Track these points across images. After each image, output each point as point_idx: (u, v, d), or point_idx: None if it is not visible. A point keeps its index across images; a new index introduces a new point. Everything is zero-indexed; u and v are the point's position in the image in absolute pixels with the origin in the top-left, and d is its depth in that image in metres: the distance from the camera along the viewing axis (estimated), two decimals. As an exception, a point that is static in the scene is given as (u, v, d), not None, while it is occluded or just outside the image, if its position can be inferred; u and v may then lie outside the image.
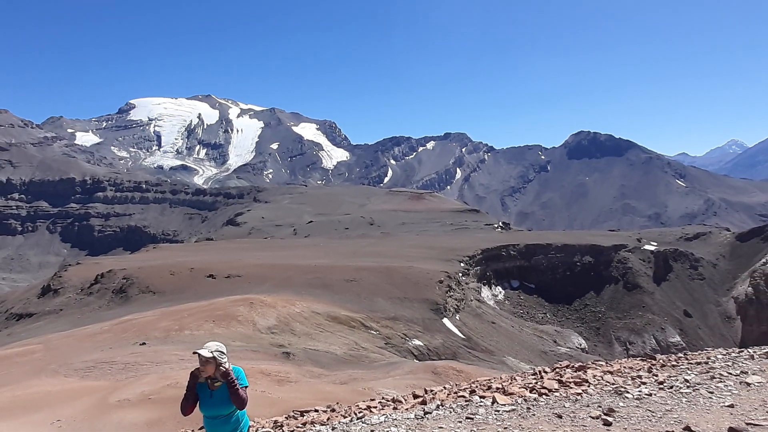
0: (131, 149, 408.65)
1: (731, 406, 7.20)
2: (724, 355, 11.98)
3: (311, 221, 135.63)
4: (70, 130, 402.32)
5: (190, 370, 5.66)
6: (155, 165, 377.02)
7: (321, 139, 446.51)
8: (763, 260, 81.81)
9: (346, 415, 10.99)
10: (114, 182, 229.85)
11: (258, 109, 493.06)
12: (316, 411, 13.21)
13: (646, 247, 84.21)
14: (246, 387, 5.66)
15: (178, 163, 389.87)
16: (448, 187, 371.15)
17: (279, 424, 11.95)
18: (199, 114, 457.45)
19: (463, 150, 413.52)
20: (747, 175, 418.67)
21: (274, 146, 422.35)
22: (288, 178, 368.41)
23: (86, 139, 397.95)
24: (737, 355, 11.63)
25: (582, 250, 78.85)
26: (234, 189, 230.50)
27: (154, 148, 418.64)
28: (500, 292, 71.54)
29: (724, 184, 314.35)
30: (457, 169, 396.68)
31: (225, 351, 5.65)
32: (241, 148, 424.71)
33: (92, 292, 55.55)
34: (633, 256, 79.24)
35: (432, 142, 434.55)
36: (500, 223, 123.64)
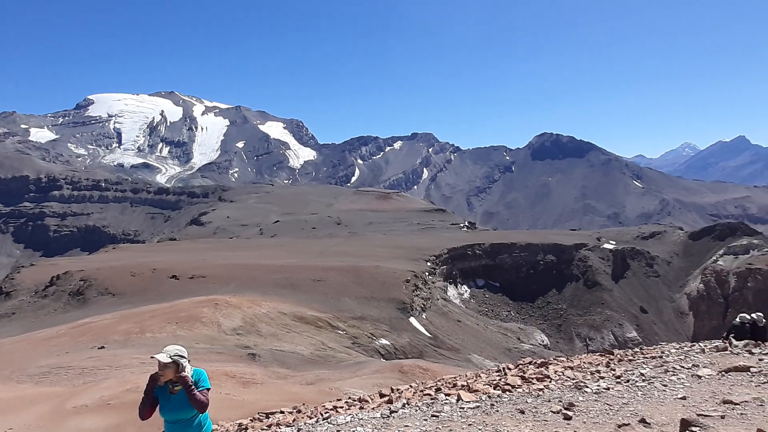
0: (89, 146, 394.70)
1: (684, 398, 7.50)
2: (677, 349, 12.48)
3: (278, 221, 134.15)
4: (23, 126, 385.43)
5: (150, 374, 5.51)
6: (115, 163, 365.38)
7: (288, 138, 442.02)
8: (714, 258, 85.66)
9: (312, 415, 10.95)
10: (71, 180, 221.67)
11: (223, 106, 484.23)
12: (282, 412, 13.10)
13: (605, 245, 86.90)
14: (208, 389, 5.55)
15: (140, 161, 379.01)
16: (415, 186, 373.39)
17: (243, 426, 11.81)
18: (162, 111, 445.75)
19: (430, 150, 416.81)
20: (699, 177, 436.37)
21: (240, 145, 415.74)
22: (254, 177, 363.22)
23: (41, 135, 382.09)
24: (689, 349, 12.14)
25: (545, 249, 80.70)
26: (198, 188, 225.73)
27: (114, 145, 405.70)
28: (466, 291, 72.47)
29: (678, 185, 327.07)
30: (424, 169, 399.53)
31: (185, 354, 5.53)
32: (206, 147, 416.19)
33: (47, 295, 53.44)
34: (593, 255, 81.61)
35: (399, 142, 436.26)
36: (466, 223, 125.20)
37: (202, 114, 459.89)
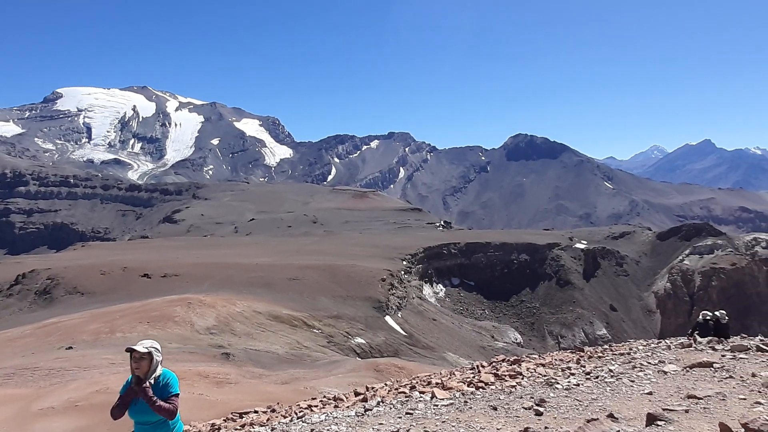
0: (58, 141, 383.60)
1: (650, 393, 7.73)
2: (644, 346, 12.84)
3: (253, 219, 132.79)
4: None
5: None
6: (85, 158, 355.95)
7: (264, 135, 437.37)
8: (680, 257, 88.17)
9: (287, 415, 10.90)
10: (38, 176, 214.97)
11: (198, 102, 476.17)
12: (256, 412, 13.01)
13: (577, 245, 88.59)
14: (176, 395, 5.41)
15: (111, 156, 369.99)
16: (392, 185, 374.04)
17: (217, 426, 11.69)
18: (134, 106, 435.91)
19: (407, 149, 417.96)
20: (667, 179, 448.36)
21: (215, 142, 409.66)
22: (229, 175, 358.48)
23: (6, 129, 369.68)
24: (656, 345, 12.50)
25: (519, 248, 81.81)
26: (172, 185, 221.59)
27: (84, 140, 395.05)
28: (441, 290, 72.98)
29: (647, 186, 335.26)
30: (401, 168, 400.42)
31: (160, 350, 5.42)
32: (180, 143, 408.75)
33: (12, 294, 51.82)
34: (565, 254, 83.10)
35: (376, 141, 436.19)
36: (442, 222, 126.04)
37: (176, 110, 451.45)
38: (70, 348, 28.23)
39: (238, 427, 10.85)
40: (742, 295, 79.53)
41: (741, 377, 8.07)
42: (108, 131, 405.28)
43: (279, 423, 9.18)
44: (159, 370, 5.32)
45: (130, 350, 5.24)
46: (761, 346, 10.16)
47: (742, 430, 5.62)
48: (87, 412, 16.25)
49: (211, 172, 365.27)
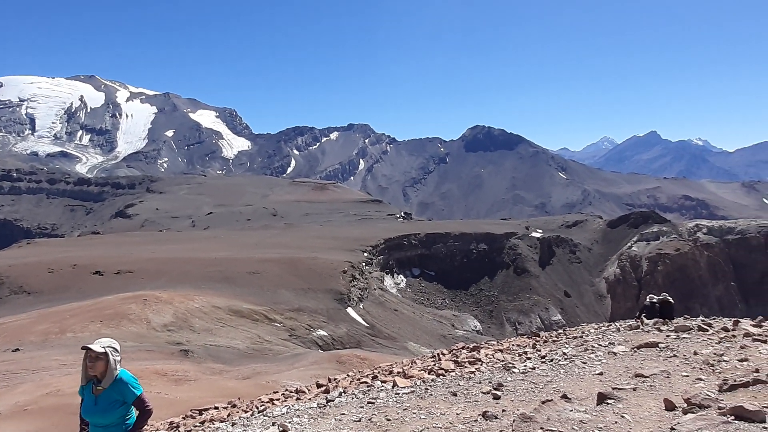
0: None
1: (601, 373, 8.08)
2: (596, 329, 13.39)
3: (211, 212, 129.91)
4: None
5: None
6: (28, 151, 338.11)
7: (221, 127, 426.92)
8: (629, 244, 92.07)
9: (248, 409, 10.82)
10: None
11: (150, 93, 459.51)
12: (216, 408, 12.84)
13: (533, 234, 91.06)
14: (139, 395, 5.10)
15: (57, 149, 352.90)
16: (352, 177, 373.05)
17: (175, 425, 11.48)
18: (81, 96, 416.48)
19: (366, 141, 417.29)
20: (616, 169, 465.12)
21: (169, 133, 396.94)
22: (185, 168, 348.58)
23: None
24: (606, 328, 13.06)
25: (478, 238, 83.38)
26: (124, 178, 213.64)
27: (27, 132, 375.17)
28: (402, 280, 73.63)
29: (598, 176, 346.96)
30: (361, 159, 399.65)
31: (118, 349, 5.15)
32: (132, 135, 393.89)
33: (-49, 295, 48.94)
34: (522, 243, 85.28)
35: (335, 132, 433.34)
36: (402, 213, 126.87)
37: (127, 100, 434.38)
38: (17, 350, 27.01)
39: (198, 424, 10.69)
40: (685, 279, 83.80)
41: (684, 355, 8.53)
42: (53, 122, 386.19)
43: (240, 418, 9.10)
44: (117, 372, 5.05)
45: (86, 348, 5.00)
46: (702, 326, 10.77)
47: (685, 404, 5.97)
48: (37, 416, 15.62)
49: (165, 164, 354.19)
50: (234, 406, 12.63)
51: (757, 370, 7.09)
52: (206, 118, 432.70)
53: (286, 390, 13.25)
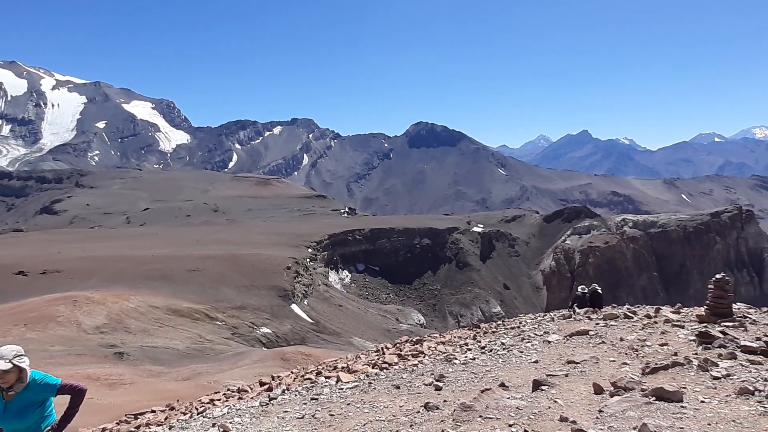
0: None
1: (536, 361, 8.45)
2: (532, 319, 13.96)
3: (147, 208, 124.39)
4: None
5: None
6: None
7: (157, 119, 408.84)
8: (563, 238, 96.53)
9: (186, 411, 10.52)
10: None
11: (79, 81, 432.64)
12: (153, 412, 12.40)
13: (475, 229, 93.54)
14: (55, 384, 4.84)
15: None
16: (296, 172, 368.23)
17: (108, 431, 10.98)
18: (1, 83, 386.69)
19: (310, 136, 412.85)
20: (552, 166, 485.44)
21: (101, 125, 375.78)
22: (118, 161, 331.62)
23: None
24: (542, 318, 13.65)
25: (421, 233, 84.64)
26: (50, 172, 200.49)
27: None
28: (347, 276, 73.60)
29: (535, 173, 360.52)
30: (305, 155, 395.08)
31: (23, 352, 4.81)
32: (58, 126, 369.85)
33: None
34: (464, 238, 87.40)
35: (279, 127, 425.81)
36: (346, 209, 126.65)
37: (53, 89, 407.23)
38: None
39: (133, 429, 10.29)
40: (613, 270, 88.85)
41: (611, 342, 9.07)
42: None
43: (178, 421, 8.84)
44: (28, 372, 4.79)
45: None
46: (627, 313, 11.48)
47: (612, 388, 6.36)
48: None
49: (97, 158, 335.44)
50: (172, 408, 12.23)
51: (675, 354, 7.65)
52: (141, 110, 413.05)
53: (228, 390, 12.98)
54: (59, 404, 4.96)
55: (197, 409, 9.90)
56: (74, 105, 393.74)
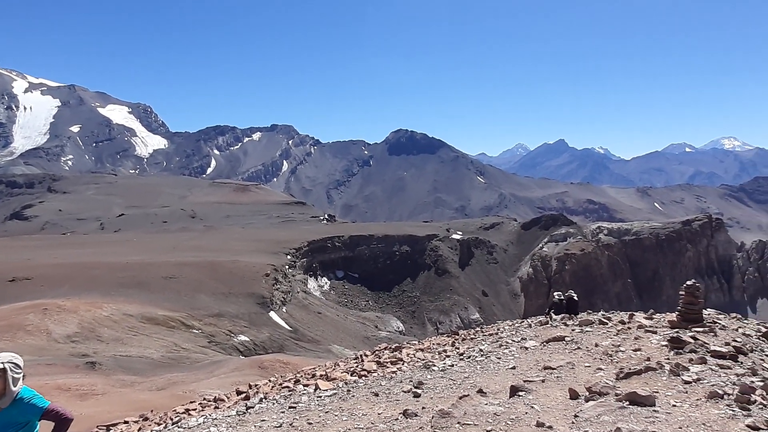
0: None
1: (514, 367, 8.53)
2: (510, 326, 14.09)
3: (122, 214, 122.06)
4: None
5: None
6: None
7: (134, 123, 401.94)
8: (540, 245, 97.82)
9: (161, 422, 10.32)
10: None
11: (53, 84, 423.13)
12: (126, 423, 12.13)
13: (454, 236, 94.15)
14: (48, 405, 4.62)
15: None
16: (275, 179, 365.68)
17: (81, 441, 10.69)
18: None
19: (290, 142, 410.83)
20: (529, 174, 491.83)
21: (75, 129, 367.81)
22: (93, 166, 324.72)
23: None
24: (519, 325, 13.79)
25: (400, 240, 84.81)
26: (21, 176, 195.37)
27: None
28: (326, 283, 73.24)
29: (513, 181, 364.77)
30: (284, 161, 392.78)
31: (21, 365, 4.58)
32: (31, 129, 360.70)
33: None
34: (443, 245, 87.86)
35: (258, 133, 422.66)
36: (326, 216, 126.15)
37: (25, 91, 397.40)
38: None
39: (106, 440, 10.04)
40: (588, 276, 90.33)
41: (587, 347, 9.21)
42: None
43: (152, 431, 8.66)
44: (18, 389, 4.52)
45: None
46: (602, 319, 11.69)
47: (587, 393, 6.47)
48: None
49: (70, 162, 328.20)
50: (146, 419, 11.98)
51: (648, 359, 7.81)
52: (117, 114, 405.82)
53: (204, 399, 12.77)
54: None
55: (172, 420, 9.73)
56: (47, 108, 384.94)
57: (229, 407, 9.59)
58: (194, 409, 10.81)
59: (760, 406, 5.69)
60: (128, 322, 36.03)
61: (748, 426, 5.14)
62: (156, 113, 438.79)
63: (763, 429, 5.05)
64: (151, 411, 13.63)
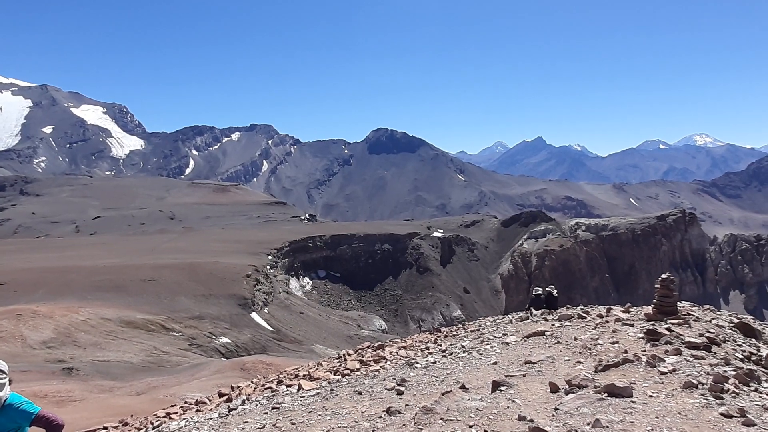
0: None
1: (495, 363, 8.63)
2: (491, 322, 14.24)
3: (98, 217, 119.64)
4: None
5: None
6: None
7: (109, 124, 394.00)
8: (520, 242, 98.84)
9: (141, 426, 10.18)
10: None
11: (23, 84, 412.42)
12: (105, 429, 11.92)
13: (435, 234, 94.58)
14: (39, 411, 4.56)
15: None
16: (255, 179, 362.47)
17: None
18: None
19: (270, 142, 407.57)
20: (509, 171, 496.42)
21: (48, 130, 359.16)
22: (67, 168, 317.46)
23: None
24: (500, 321, 13.94)
25: (382, 238, 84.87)
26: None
27: None
28: (308, 283, 72.92)
29: (493, 178, 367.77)
30: (264, 161, 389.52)
31: (6, 370, 4.54)
32: (2, 131, 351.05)
33: None
34: (424, 243, 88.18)
35: (237, 132, 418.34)
36: (307, 215, 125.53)
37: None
38: None
39: (84, 447, 9.86)
40: (567, 272, 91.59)
41: (566, 341, 9.37)
42: None
43: (133, 435, 8.54)
44: (6, 394, 4.47)
45: None
46: (581, 314, 11.89)
47: (567, 386, 6.58)
48: None
49: (43, 164, 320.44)
50: (126, 424, 11.80)
51: (626, 351, 7.98)
52: (92, 114, 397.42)
53: (186, 402, 12.63)
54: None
55: (152, 424, 9.60)
56: (18, 109, 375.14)
57: (211, 410, 9.50)
58: (175, 413, 10.68)
59: (733, 395, 5.86)
60: (106, 326, 35.38)
61: (721, 414, 5.29)
62: (132, 113, 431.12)
63: (736, 417, 5.21)
64: (131, 416, 13.43)
